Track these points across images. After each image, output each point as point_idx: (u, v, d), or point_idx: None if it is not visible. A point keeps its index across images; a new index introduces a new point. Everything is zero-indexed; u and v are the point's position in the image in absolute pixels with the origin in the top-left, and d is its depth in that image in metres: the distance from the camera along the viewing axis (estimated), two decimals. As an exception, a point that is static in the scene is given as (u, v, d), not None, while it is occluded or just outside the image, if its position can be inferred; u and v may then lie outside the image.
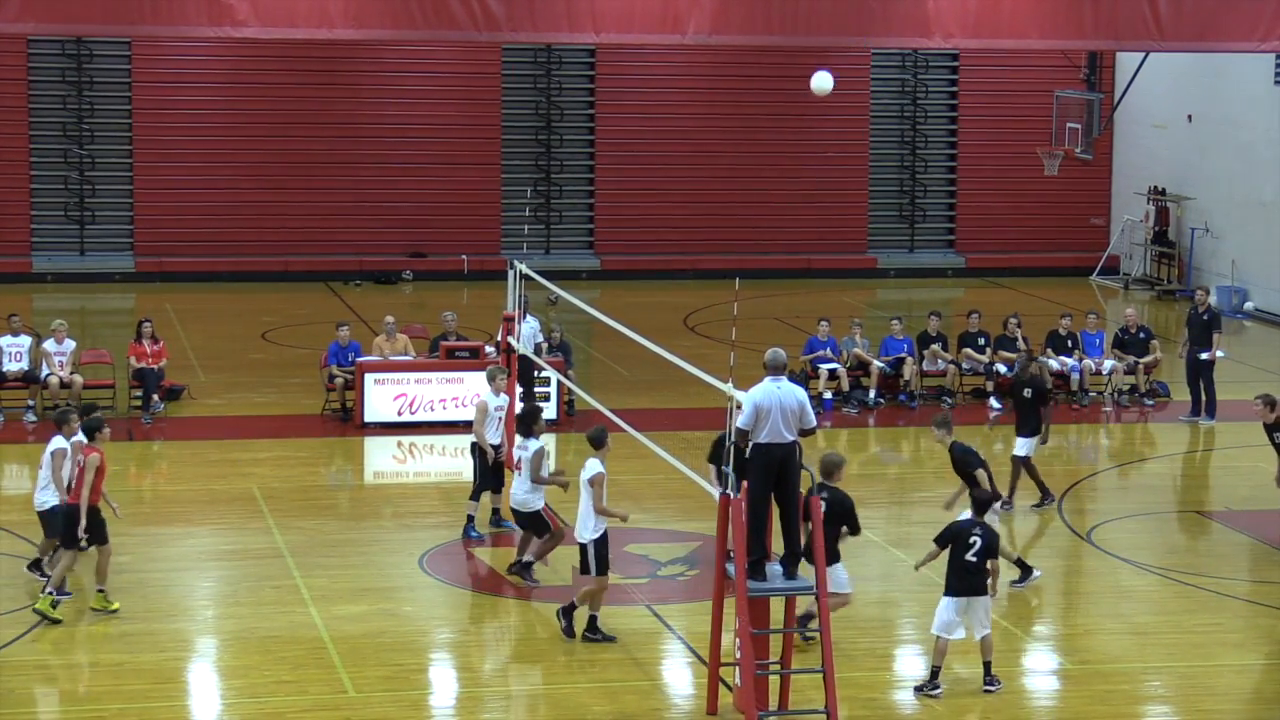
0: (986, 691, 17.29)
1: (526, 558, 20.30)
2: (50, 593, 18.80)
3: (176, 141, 41.29)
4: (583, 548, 18.50)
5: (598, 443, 18.77)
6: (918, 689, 17.38)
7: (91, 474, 18.80)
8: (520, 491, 20.08)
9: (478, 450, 22.00)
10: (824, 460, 18.13)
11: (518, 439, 20.49)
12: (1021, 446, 23.73)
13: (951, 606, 17.37)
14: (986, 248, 44.56)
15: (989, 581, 17.46)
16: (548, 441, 26.82)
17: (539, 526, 20.16)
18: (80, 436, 19.31)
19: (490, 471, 22.02)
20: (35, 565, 20.02)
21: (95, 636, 18.47)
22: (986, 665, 17.46)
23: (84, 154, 41.27)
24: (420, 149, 42.18)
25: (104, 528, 19.07)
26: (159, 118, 41.24)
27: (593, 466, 18.55)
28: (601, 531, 18.44)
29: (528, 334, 26.62)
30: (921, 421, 27.05)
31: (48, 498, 19.68)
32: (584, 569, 18.57)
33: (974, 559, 17.36)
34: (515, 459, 20.49)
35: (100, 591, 19.04)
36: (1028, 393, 23.85)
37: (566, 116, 43.40)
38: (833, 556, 17.64)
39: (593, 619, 18.58)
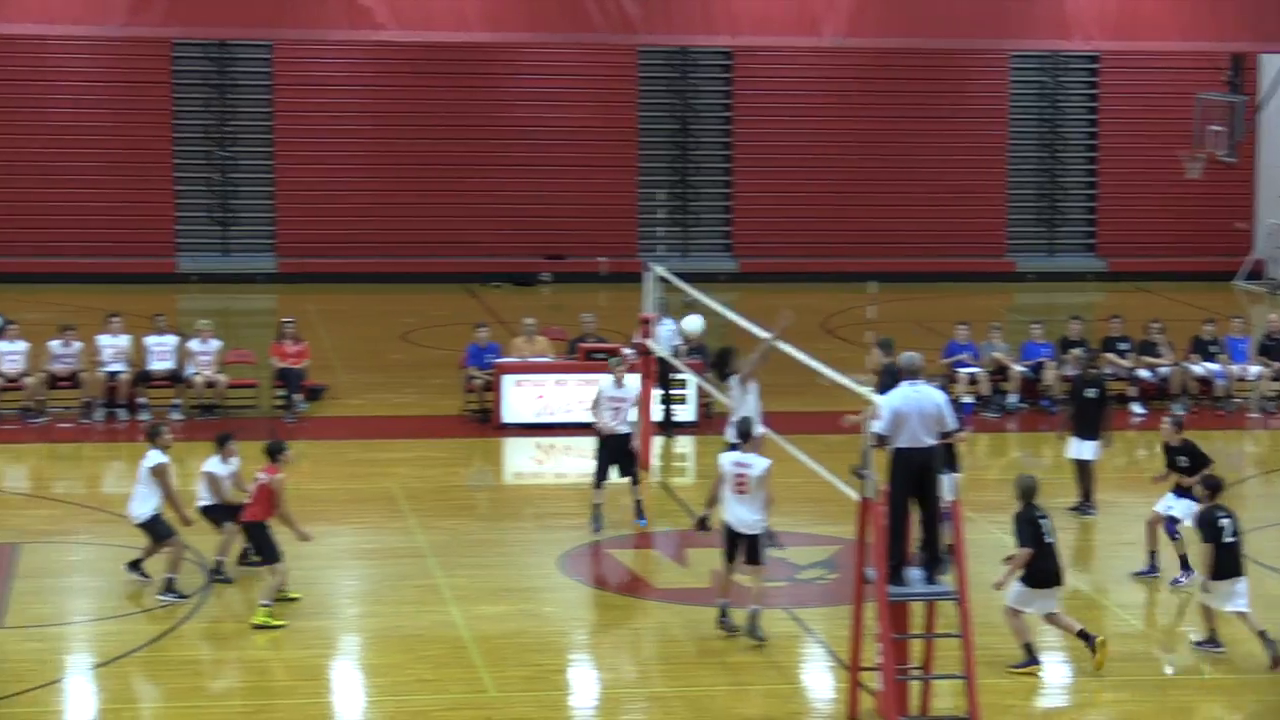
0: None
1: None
2: (264, 604, 18.89)
3: (317, 143, 41.72)
4: (752, 540, 18.33)
5: (746, 435, 18.65)
6: (1198, 643, 18.38)
7: (282, 494, 19.13)
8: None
9: (601, 439, 22.24)
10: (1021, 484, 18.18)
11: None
12: (1087, 450, 23.36)
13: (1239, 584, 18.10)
14: (1128, 252, 44.13)
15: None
16: (686, 443, 26.99)
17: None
18: (221, 461, 19.89)
19: (619, 459, 22.16)
20: (135, 565, 20.24)
21: (241, 633, 18.68)
22: (1262, 634, 18.11)
23: (226, 156, 41.78)
24: (557, 151, 42.35)
25: (273, 546, 19.22)
26: (299, 120, 41.69)
27: (759, 461, 18.39)
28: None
29: (666, 336, 26.68)
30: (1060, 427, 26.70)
31: (145, 509, 19.85)
32: (753, 559, 18.41)
33: (1232, 539, 18.00)
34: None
35: (264, 605, 19.01)
36: (1092, 392, 23.49)
37: (703, 119, 43.41)
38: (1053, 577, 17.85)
39: (755, 613, 18.37)
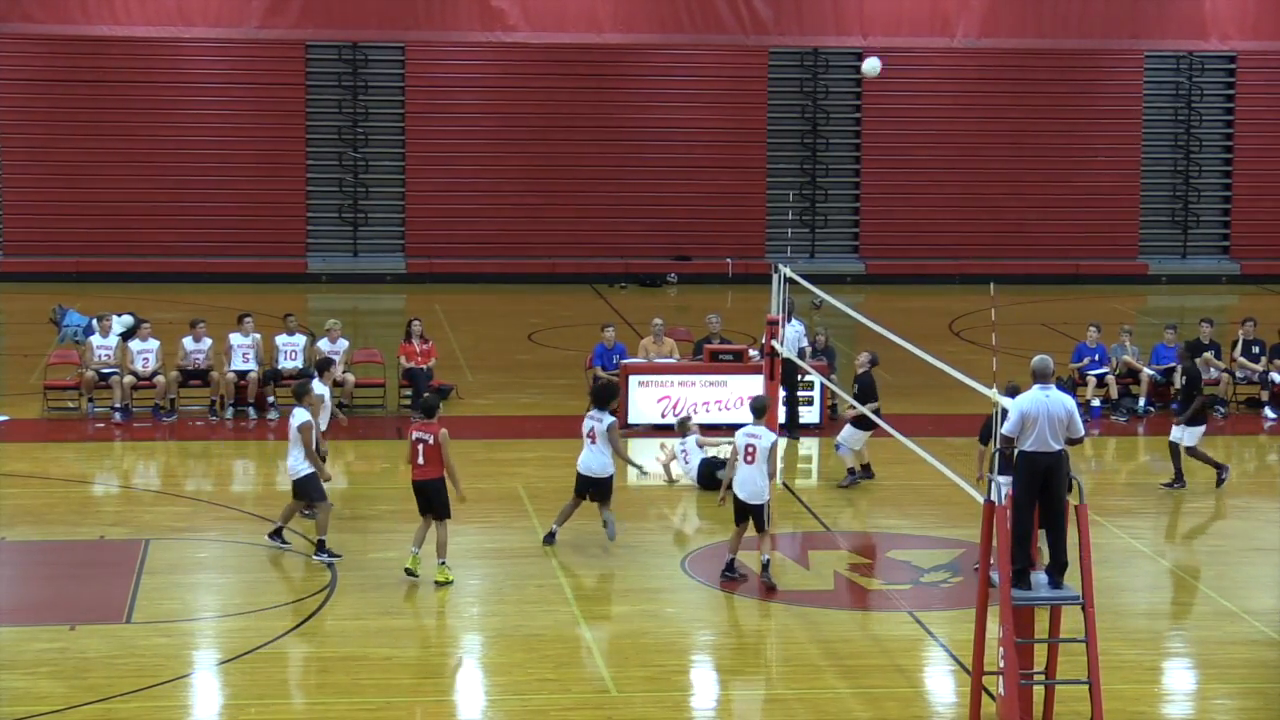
0: None
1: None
2: (442, 563, 19.91)
3: (447, 145, 41.97)
4: (759, 509, 19.90)
5: (761, 411, 20.26)
6: None
7: (448, 448, 19.85)
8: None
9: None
10: None
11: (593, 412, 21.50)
12: (1188, 435, 23.94)
13: None
14: (1263, 254, 43.53)
15: None
16: (810, 445, 26.91)
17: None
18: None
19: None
20: (276, 533, 20.90)
21: (364, 631, 18.80)
22: None
23: (358, 157, 42.12)
24: (686, 152, 42.37)
25: (447, 503, 19.99)
26: (430, 121, 41.96)
27: (769, 436, 19.97)
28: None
29: (792, 337, 26.60)
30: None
31: (301, 466, 20.53)
32: (759, 527, 20.00)
33: None
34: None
35: (442, 564, 19.87)
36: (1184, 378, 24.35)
37: (833, 120, 43.27)
38: None
39: (767, 563, 20.03)
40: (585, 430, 21.52)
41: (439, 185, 42.07)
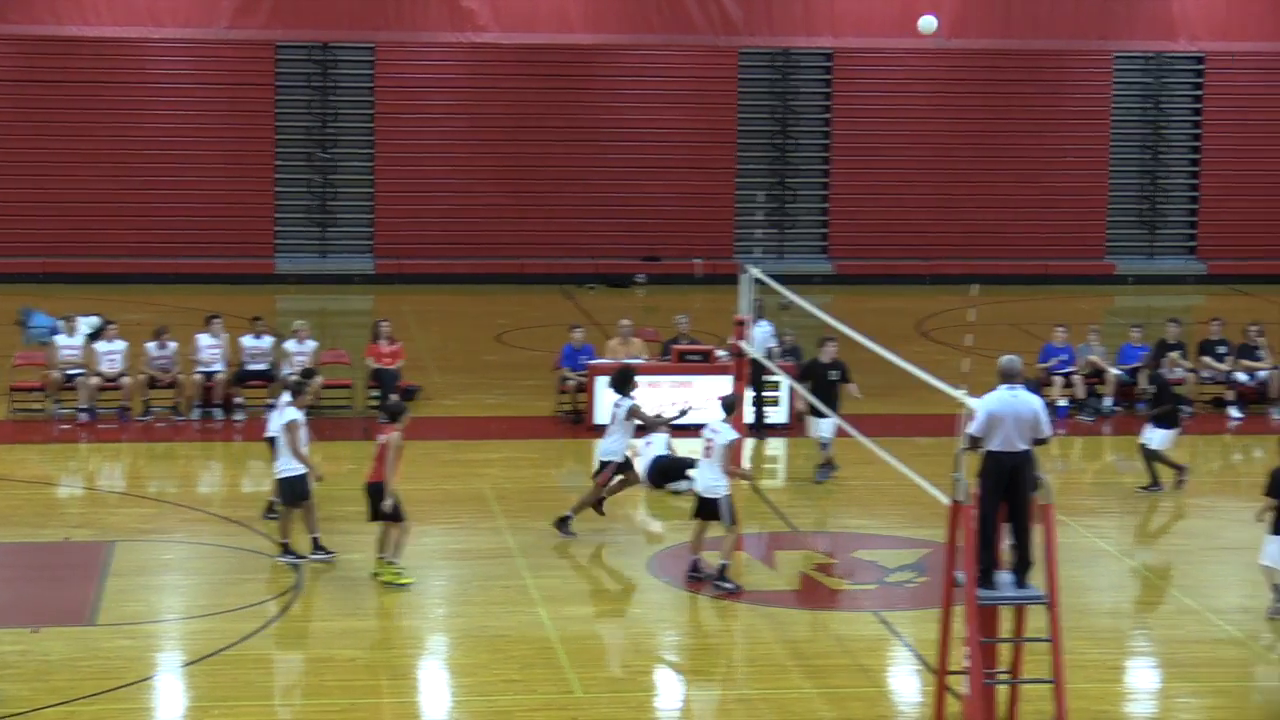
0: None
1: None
2: (392, 561, 19.83)
3: (416, 145, 41.92)
4: (714, 502, 19.89)
5: (728, 408, 20.29)
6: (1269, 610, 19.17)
7: (392, 453, 19.76)
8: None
9: None
10: None
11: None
12: (1156, 438, 24.13)
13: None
14: (1229, 254, 43.68)
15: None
16: (777, 446, 26.92)
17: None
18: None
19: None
20: (316, 546, 20.81)
21: (329, 632, 18.78)
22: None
23: (327, 158, 42.05)
24: (655, 153, 42.37)
25: (397, 506, 19.87)
26: (400, 122, 41.90)
27: (729, 432, 19.95)
28: (729, 488, 19.95)
29: (761, 338, 26.62)
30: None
31: (288, 465, 20.52)
32: (709, 519, 19.97)
33: None
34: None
35: (391, 564, 19.74)
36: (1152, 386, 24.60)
37: (802, 121, 43.32)
38: None
39: (724, 568, 19.78)
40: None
41: (408, 186, 42.02)
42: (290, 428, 20.53)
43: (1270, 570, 19.41)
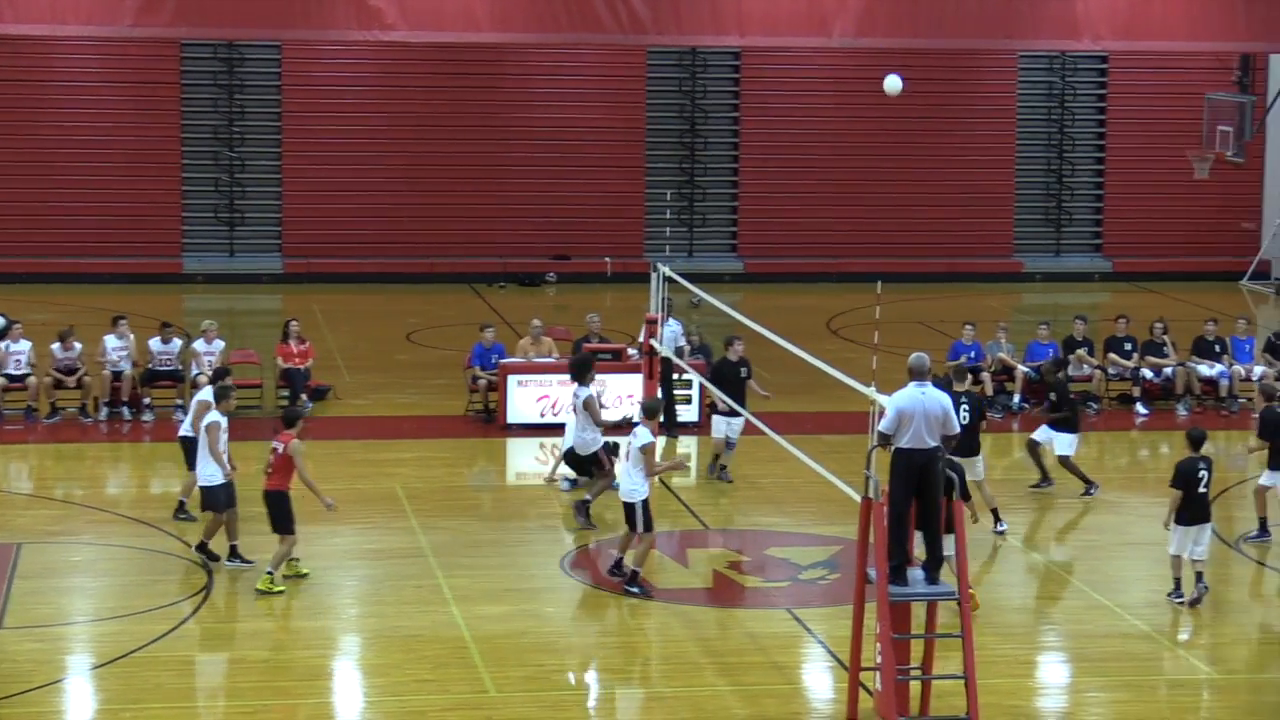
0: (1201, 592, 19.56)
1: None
2: (269, 573, 19.57)
3: (325, 144, 41.73)
4: (630, 506, 19.84)
5: (652, 413, 20.27)
6: (1169, 595, 19.71)
7: (301, 459, 19.60)
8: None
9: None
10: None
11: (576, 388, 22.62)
12: (1060, 443, 24.07)
13: (1186, 533, 19.54)
14: (1134, 252, 44.08)
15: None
16: (689, 443, 26.97)
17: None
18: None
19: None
20: (201, 548, 20.62)
21: (242, 633, 18.70)
22: (1199, 574, 19.65)
23: (234, 157, 41.81)
24: (565, 152, 42.34)
25: (287, 518, 19.69)
26: (308, 120, 41.71)
27: (644, 434, 19.83)
28: (648, 491, 19.85)
29: (670, 336, 26.67)
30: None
31: (208, 472, 20.38)
32: (634, 527, 19.90)
33: (1205, 490, 19.62)
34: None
35: (269, 574, 19.58)
36: (1053, 395, 24.31)
37: (711, 119, 43.40)
38: None
39: (635, 574, 19.82)
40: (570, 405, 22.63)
41: (316, 185, 41.81)
42: (211, 430, 20.34)
43: (1174, 559, 19.67)
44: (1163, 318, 31.03)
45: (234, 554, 20.45)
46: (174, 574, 20.31)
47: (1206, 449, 20.09)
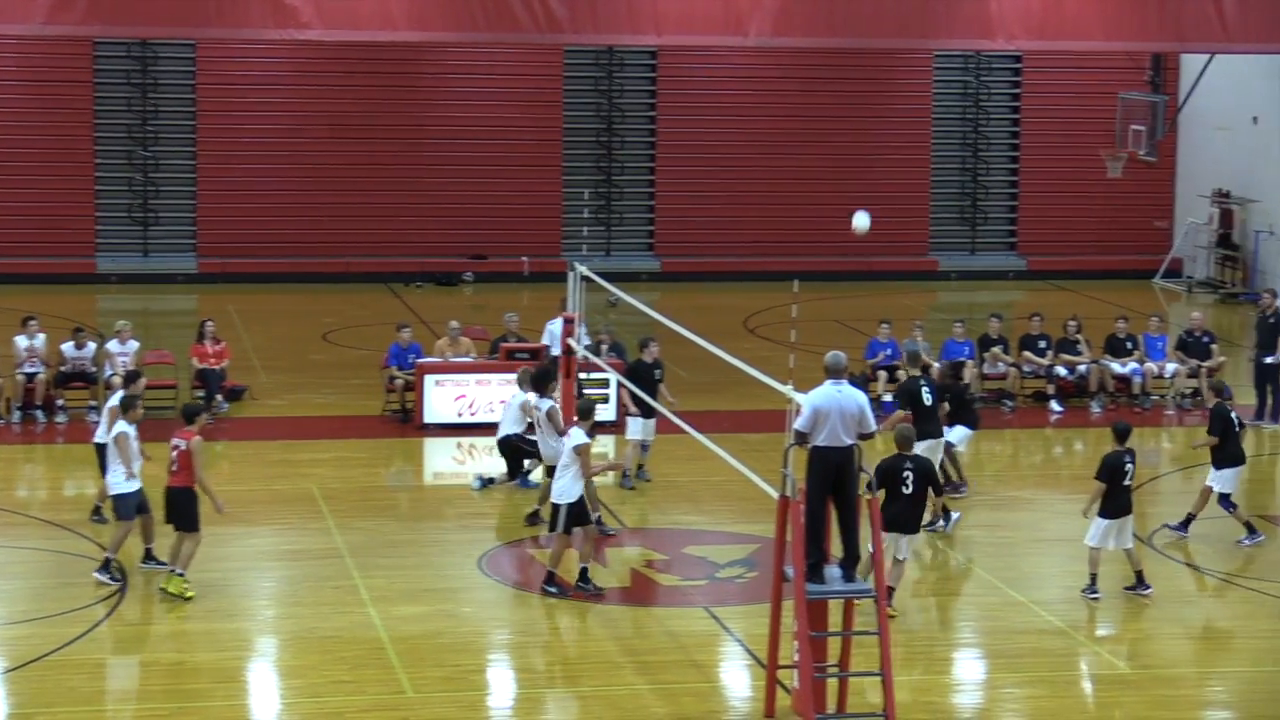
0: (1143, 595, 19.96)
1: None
2: (180, 574, 19.35)
3: (240, 143, 41.48)
4: (555, 508, 19.90)
5: (586, 414, 20.29)
6: (1083, 591, 19.93)
7: (199, 458, 19.36)
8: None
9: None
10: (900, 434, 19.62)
11: (532, 397, 22.63)
12: (954, 434, 23.91)
13: (1109, 526, 19.84)
14: (1048, 250, 44.36)
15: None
16: (605, 442, 26.95)
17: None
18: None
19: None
20: (148, 556, 20.38)
21: (155, 636, 18.57)
22: (1139, 574, 20.04)
23: (148, 156, 41.50)
24: (482, 151, 42.24)
25: (194, 516, 19.47)
26: (222, 120, 41.44)
27: (578, 436, 19.88)
28: (580, 494, 19.82)
29: (559, 336, 26.41)
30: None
31: (117, 481, 20.11)
32: (556, 528, 19.94)
33: (1129, 483, 19.89)
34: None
35: (180, 575, 19.37)
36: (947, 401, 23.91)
37: (628, 118, 43.40)
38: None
39: (583, 571, 19.79)
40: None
41: (231, 184, 41.56)
42: (120, 440, 20.15)
43: (1094, 551, 19.84)
44: (1076, 315, 31.24)
45: (148, 557, 20.29)
46: (87, 577, 20.12)
47: (1130, 443, 20.23)
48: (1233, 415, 22.29)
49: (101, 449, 21.51)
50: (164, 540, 20.14)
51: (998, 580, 20.79)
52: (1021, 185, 44.92)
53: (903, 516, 19.12)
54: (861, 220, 20.17)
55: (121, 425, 20.18)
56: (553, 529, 20.15)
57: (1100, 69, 42.02)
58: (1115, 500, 19.82)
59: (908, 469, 19.19)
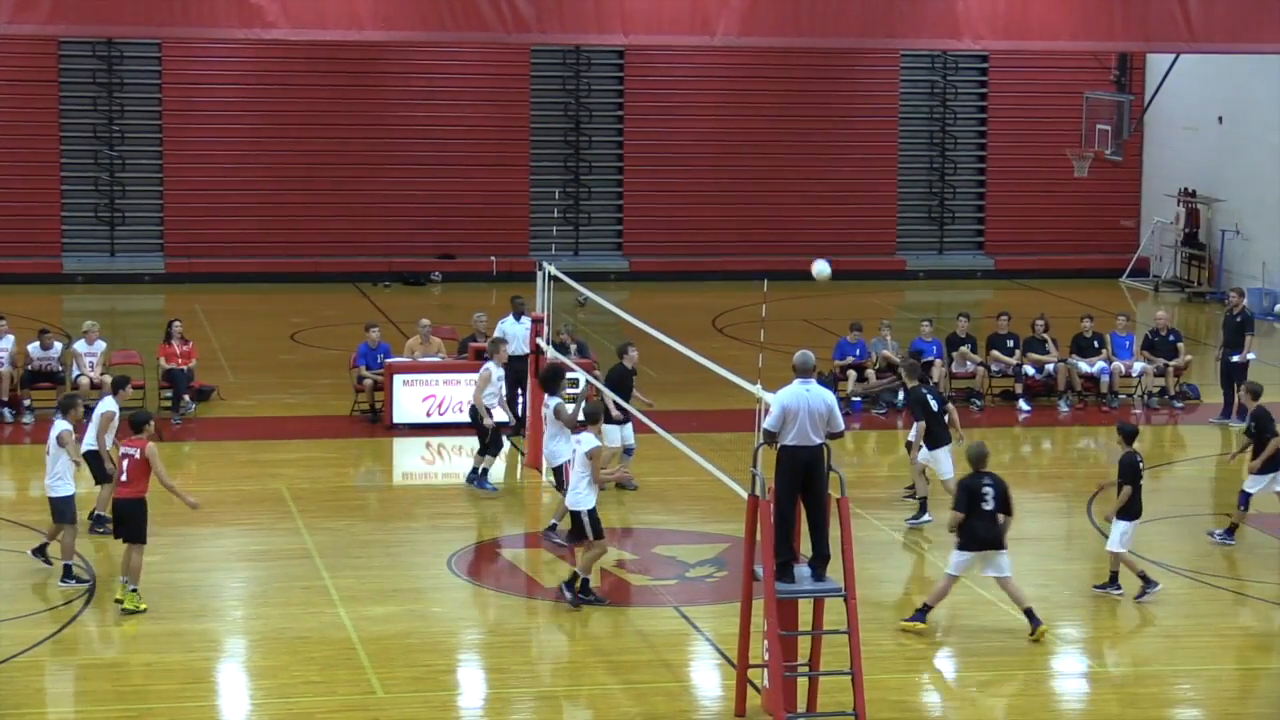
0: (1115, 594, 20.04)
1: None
2: (131, 587, 19.05)
3: (206, 143, 41.40)
4: (578, 515, 19.64)
5: (595, 418, 20.43)
6: (1098, 585, 20.11)
7: (158, 464, 19.10)
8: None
9: (475, 414, 24.13)
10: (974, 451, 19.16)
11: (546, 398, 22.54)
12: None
13: (1131, 528, 19.95)
14: (1016, 249, 44.48)
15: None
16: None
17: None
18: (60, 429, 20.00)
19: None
20: (40, 551, 20.25)
21: (124, 637, 18.51)
22: (1114, 574, 20.13)
23: (114, 155, 41.39)
24: (449, 150, 42.23)
25: (143, 527, 19.17)
26: (189, 119, 41.36)
27: (589, 441, 19.68)
28: (595, 499, 19.57)
29: (522, 335, 26.30)
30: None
31: (61, 484, 19.87)
32: (580, 536, 19.76)
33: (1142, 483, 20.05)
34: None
35: (133, 590, 19.13)
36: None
37: (595, 118, 43.41)
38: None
39: (585, 582, 19.50)
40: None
41: (199, 184, 41.46)
42: (63, 438, 19.94)
43: (1117, 555, 19.89)
44: (1043, 315, 31.32)
45: (40, 551, 20.17)
46: (56, 577, 20.04)
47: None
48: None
49: (90, 457, 21.14)
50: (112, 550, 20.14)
51: (966, 579, 20.79)
52: (989, 185, 45.04)
53: (986, 534, 18.79)
54: (822, 267, 20.22)
55: (62, 425, 19.98)
56: (575, 539, 20.04)
57: (1067, 69, 42.14)
58: (1137, 502, 19.97)
59: (987, 485, 18.84)
